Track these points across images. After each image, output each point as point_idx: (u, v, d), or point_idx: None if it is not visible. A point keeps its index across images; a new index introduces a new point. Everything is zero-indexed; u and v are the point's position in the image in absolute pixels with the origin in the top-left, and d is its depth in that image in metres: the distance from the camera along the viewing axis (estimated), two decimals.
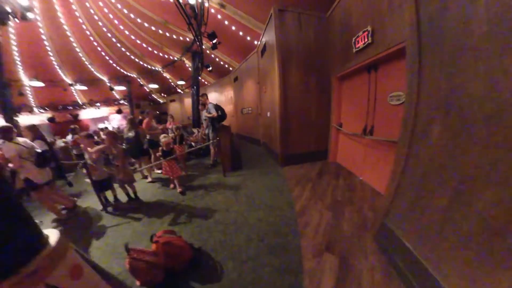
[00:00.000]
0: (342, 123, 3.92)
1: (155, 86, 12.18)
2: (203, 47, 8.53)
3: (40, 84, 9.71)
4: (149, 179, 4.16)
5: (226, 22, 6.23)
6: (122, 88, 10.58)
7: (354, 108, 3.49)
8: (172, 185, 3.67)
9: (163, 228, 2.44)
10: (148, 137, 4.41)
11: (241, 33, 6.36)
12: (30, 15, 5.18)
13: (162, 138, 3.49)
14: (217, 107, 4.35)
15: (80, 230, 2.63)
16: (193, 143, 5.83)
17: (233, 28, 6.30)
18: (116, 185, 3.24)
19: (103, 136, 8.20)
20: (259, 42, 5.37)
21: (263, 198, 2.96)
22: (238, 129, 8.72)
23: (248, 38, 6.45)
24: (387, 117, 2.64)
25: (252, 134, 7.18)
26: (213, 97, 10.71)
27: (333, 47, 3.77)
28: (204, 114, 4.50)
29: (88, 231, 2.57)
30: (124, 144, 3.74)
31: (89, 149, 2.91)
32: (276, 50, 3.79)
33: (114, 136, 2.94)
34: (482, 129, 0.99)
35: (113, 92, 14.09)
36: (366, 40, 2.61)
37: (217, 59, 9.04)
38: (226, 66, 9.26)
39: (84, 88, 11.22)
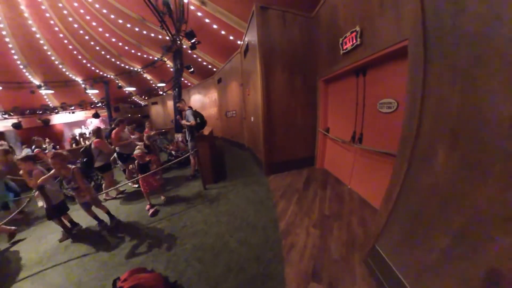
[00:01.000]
0: (329, 128, 3.74)
1: (132, 88, 11.43)
2: (185, 46, 8.11)
3: None
4: (109, 196, 3.83)
5: (207, 20, 5.86)
6: (95, 91, 9.72)
7: (342, 113, 3.32)
8: (148, 206, 3.25)
9: (132, 260, 2.12)
10: (117, 149, 3.96)
11: (223, 32, 6.03)
12: None
13: (136, 150, 3.09)
14: (196, 114, 3.99)
15: (35, 265, 2.21)
16: (173, 152, 5.39)
17: (215, 26, 5.95)
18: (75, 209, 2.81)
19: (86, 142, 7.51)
20: (242, 42, 5.08)
21: (245, 215, 2.68)
22: (223, 133, 8.37)
23: (231, 37, 6.14)
24: (377, 125, 2.46)
25: (237, 138, 6.87)
26: (197, 99, 10.26)
27: (319, 49, 3.58)
28: (182, 122, 4.11)
29: (46, 267, 2.16)
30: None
31: (36, 174, 2.38)
32: (258, 50, 3.53)
33: (62, 157, 2.45)
34: (504, 161, 0.76)
35: (89, 94, 13.10)
36: (354, 41, 2.42)
37: (199, 60, 8.61)
38: (210, 66, 8.87)
39: (50, 91, 10.18)
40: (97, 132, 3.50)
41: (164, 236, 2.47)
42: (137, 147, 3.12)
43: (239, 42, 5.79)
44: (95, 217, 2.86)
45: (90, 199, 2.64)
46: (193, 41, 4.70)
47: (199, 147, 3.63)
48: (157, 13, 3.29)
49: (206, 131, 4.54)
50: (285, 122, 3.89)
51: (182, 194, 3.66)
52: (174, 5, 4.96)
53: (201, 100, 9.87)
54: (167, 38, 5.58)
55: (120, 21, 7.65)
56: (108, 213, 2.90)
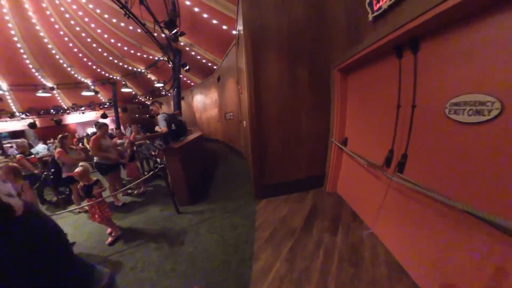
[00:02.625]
0: (348, 139, 2.68)
1: (129, 90, 11.24)
2: (182, 43, 7.47)
3: None
4: (82, 209, 3.30)
5: (196, 9, 5.08)
6: (91, 93, 9.63)
7: (369, 119, 2.21)
8: (109, 230, 2.60)
9: None
10: (95, 159, 3.40)
11: (215, 21, 5.20)
12: None
13: (78, 167, 2.39)
14: (171, 120, 3.21)
15: None
16: (158, 159, 4.69)
17: (205, 15, 5.14)
18: None
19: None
20: (236, 32, 4.21)
21: (209, 268, 1.82)
22: (224, 137, 7.58)
23: (225, 27, 5.29)
24: (440, 144, 1.32)
25: (234, 144, 6.01)
26: (199, 99, 9.63)
27: (333, 22, 2.55)
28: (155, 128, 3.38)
29: None
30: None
31: None
32: (243, 32, 2.62)
33: (13, 171, 2.14)
34: None
35: (98, 95, 13.23)
36: None
37: (198, 57, 7.92)
38: (210, 64, 8.14)
39: (48, 94, 10.44)
40: (60, 140, 3.00)
41: (104, 280, 1.79)
42: (80, 163, 2.40)
43: (234, 33, 4.92)
44: None
45: None
46: (174, 32, 3.92)
47: (169, 162, 2.82)
48: None
49: (189, 138, 3.75)
50: (282, 129, 2.91)
51: (151, 216, 2.95)
52: None
53: (203, 100, 9.20)
54: (164, 35, 4.94)
55: (114, 20, 7.24)
56: None
